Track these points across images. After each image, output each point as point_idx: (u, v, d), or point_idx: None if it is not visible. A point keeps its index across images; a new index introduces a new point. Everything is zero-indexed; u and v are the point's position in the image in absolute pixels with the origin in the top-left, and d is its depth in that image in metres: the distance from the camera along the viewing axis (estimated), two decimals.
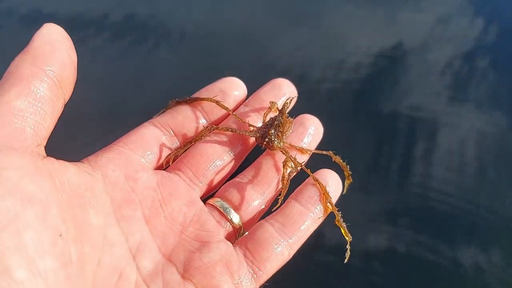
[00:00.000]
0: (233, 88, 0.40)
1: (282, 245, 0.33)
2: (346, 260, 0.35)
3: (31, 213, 0.24)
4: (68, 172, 0.29)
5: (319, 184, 0.35)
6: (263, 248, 0.32)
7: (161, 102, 0.39)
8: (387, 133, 0.56)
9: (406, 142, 0.55)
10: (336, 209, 0.35)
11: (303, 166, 0.36)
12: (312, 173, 0.36)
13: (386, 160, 0.53)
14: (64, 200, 0.27)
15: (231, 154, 0.37)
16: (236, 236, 0.35)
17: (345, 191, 0.38)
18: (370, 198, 0.50)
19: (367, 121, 0.57)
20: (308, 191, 0.35)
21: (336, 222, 0.35)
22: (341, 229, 0.35)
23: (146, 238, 0.31)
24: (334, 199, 0.36)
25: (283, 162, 0.35)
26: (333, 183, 0.36)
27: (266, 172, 0.37)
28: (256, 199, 0.36)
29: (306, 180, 0.36)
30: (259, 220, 0.35)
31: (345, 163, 0.40)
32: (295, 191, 0.36)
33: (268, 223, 0.34)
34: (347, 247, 0.35)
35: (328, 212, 0.35)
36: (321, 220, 0.35)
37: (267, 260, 0.32)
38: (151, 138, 0.36)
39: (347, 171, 0.40)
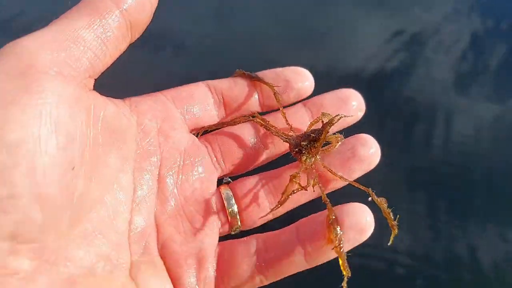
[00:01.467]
0: (298, 80, 0.37)
1: (254, 273, 0.32)
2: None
3: (53, 141, 0.25)
4: (106, 110, 0.30)
5: (328, 205, 0.30)
6: (232, 266, 0.32)
7: None
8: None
9: None
10: (339, 240, 0.29)
11: (319, 186, 0.32)
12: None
13: None
14: (91, 136, 0.28)
15: (268, 151, 0.36)
16: (230, 230, 0.34)
17: (390, 242, 0.32)
18: None
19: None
20: (315, 225, 0.31)
21: (335, 251, 0.30)
22: (340, 260, 0.30)
23: (151, 196, 0.32)
24: (356, 236, 0.30)
25: (290, 176, 0.32)
26: (354, 215, 0.30)
27: (285, 182, 0.34)
28: (263, 205, 0.34)
29: (326, 214, 0.31)
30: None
31: (389, 210, 0.32)
32: (307, 217, 0.32)
33: (250, 243, 0.32)
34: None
35: (331, 245, 0.29)
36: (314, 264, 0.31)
37: (233, 276, 0.32)
38: (198, 99, 0.35)
39: (391, 220, 0.32)
